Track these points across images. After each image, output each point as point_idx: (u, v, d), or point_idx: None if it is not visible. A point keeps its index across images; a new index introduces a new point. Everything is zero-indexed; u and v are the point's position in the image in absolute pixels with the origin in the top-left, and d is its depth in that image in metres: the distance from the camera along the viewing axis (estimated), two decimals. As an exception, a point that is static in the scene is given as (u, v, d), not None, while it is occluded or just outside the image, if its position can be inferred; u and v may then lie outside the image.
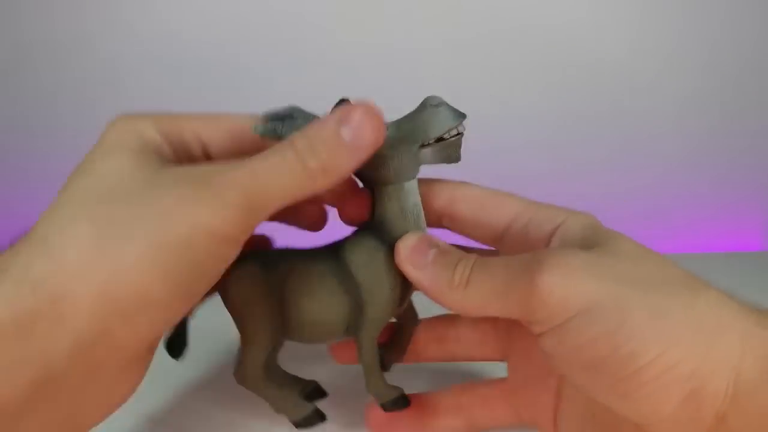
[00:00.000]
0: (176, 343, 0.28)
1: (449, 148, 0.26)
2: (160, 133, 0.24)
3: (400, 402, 0.27)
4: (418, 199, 0.26)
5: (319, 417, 0.28)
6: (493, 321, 0.30)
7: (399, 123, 0.26)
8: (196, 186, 0.21)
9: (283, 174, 0.22)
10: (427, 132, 0.25)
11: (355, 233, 0.27)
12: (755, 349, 0.19)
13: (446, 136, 0.25)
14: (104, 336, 0.20)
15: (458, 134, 0.26)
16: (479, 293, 0.23)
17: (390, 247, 0.25)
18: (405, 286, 0.26)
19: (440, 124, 0.25)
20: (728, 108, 0.58)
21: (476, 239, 0.28)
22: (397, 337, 0.30)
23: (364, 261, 0.26)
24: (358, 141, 0.23)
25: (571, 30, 0.56)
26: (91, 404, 0.22)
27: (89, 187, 0.22)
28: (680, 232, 0.62)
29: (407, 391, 0.28)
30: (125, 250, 0.20)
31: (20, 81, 0.56)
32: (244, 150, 0.26)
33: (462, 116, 0.25)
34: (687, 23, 0.56)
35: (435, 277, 0.24)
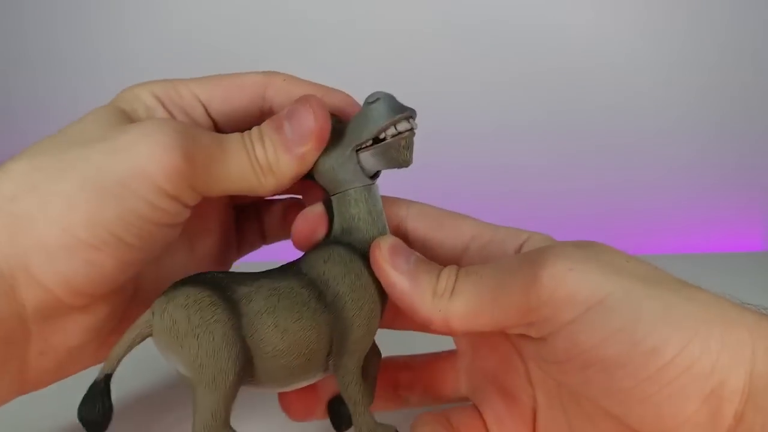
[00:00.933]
0: (94, 412, 0.20)
1: (391, 150, 0.22)
2: (154, 96, 0.24)
3: None
4: (381, 206, 0.24)
5: None
6: (452, 359, 0.27)
7: (342, 126, 0.23)
8: (144, 135, 0.20)
9: (231, 163, 0.22)
10: (359, 134, 0.22)
11: (314, 248, 0.23)
12: (765, 340, 0.18)
13: (383, 136, 0.22)
14: (22, 271, 0.20)
15: (399, 134, 0.22)
16: (468, 301, 0.20)
17: (362, 256, 0.22)
18: (383, 299, 0.23)
19: (371, 124, 0.22)
20: (729, 109, 0.58)
21: (434, 260, 0.24)
22: (364, 378, 0.24)
23: (341, 272, 0.22)
24: (297, 137, 0.22)
25: (573, 31, 0.56)
26: (30, 354, 0.21)
27: (50, 138, 0.22)
28: (681, 232, 0.62)
29: None
30: (57, 184, 0.20)
31: (21, 81, 0.57)
32: (246, 109, 0.25)
33: (401, 111, 0.22)
34: (689, 26, 0.56)
35: (417, 282, 0.21)
